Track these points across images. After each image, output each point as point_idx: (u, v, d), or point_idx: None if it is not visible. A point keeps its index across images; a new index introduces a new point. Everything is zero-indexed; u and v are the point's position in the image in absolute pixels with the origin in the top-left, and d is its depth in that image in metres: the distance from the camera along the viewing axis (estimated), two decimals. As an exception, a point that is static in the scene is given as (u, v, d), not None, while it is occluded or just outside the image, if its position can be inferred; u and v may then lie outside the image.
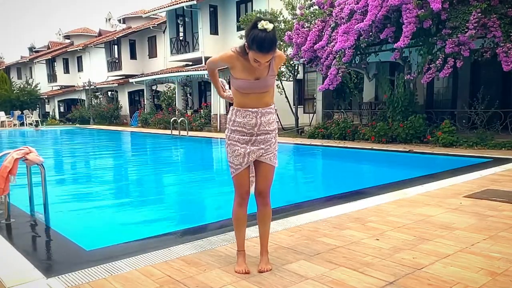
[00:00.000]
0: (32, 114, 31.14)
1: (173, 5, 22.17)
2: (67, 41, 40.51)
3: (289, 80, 16.73)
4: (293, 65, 16.01)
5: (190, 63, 23.27)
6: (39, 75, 38.40)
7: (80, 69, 35.43)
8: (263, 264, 2.79)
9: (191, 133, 17.80)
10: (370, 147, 10.78)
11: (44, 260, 3.21)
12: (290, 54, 14.26)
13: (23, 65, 43.56)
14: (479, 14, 9.08)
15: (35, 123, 28.83)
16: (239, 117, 2.70)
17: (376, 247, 3.18)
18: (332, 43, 11.91)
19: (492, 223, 3.78)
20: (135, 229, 4.67)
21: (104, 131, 23.19)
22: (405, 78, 11.15)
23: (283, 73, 16.34)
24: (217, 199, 6.37)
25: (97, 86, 29.91)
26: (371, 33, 10.92)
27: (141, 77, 25.67)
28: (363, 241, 3.34)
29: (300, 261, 2.93)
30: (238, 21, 18.61)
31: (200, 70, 20.15)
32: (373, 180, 7.56)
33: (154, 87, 26.88)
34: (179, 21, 23.23)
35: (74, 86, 34.19)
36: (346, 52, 11.29)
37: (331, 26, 12.17)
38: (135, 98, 30.08)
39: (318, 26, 12.67)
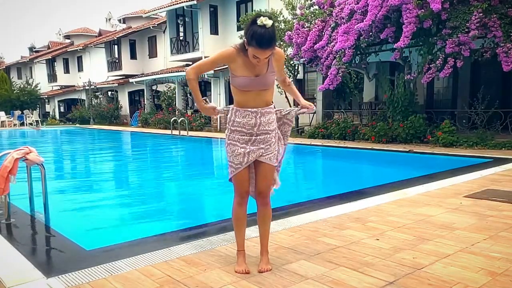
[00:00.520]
0: (32, 114, 31.12)
1: (173, 5, 22.18)
2: (67, 41, 40.51)
3: (289, 80, 16.73)
4: (293, 65, 16.01)
5: (190, 63, 23.25)
6: (39, 75, 38.39)
7: (80, 69, 35.43)
8: (263, 264, 2.79)
9: (191, 133, 17.80)
10: (370, 147, 10.78)
11: (44, 260, 3.22)
12: (290, 54, 14.26)
13: (23, 65, 43.55)
14: (480, 14, 9.08)
15: (35, 123, 28.84)
16: (238, 117, 2.70)
17: (376, 247, 3.18)
18: (332, 43, 11.91)
19: (492, 223, 3.78)
20: (135, 229, 4.67)
21: (104, 131, 23.19)
22: (405, 78, 11.15)
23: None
24: (217, 199, 6.37)
25: (97, 86, 29.91)
26: (371, 33, 10.92)
27: (141, 77, 25.67)
28: (363, 241, 3.34)
29: (300, 261, 2.93)
30: (238, 21, 18.62)
31: (200, 70, 20.13)
32: (373, 180, 7.56)
33: (154, 87, 26.88)
34: (179, 21, 23.24)
35: (74, 86, 34.19)
36: (346, 52, 11.29)
37: (331, 26, 12.17)
38: (135, 98, 30.09)
39: (318, 26, 12.67)
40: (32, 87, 35.32)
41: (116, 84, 28.95)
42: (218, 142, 14.86)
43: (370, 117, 13.48)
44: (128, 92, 29.24)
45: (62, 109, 37.16)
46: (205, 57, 21.06)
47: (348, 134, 12.62)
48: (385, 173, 8.47)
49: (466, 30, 9.23)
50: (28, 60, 41.69)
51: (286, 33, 14.01)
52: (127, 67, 28.64)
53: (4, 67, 44.34)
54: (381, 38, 10.76)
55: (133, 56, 28.95)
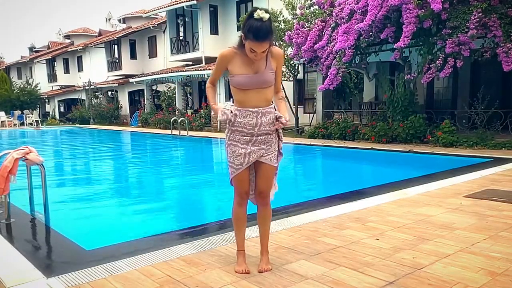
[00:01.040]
0: (32, 114, 31.12)
1: (173, 5, 22.17)
2: (67, 41, 40.51)
3: (289, 80, 16.73)
4: (293, 65, 16.02)
5: (190, 63, 23.28)
6: (39, 75, 38.40)
7: (80, 69, 35.44)
8: (263, 264, 2.79)
9: (191, 133, 17.80)
10: (370, 147, 10.78)
11: (44, 260, 3.21)
12: (290, 54, 14.26)
13: (23, 65, 43.56)
14: (480, 14, 9.08)
15: (35, 123, 28.83)
16: (239, 117, 2.69)
17: (376, 247, 3.18)
18: (332, 43, 11.91)
19: (492, 223, 3.78)
20: (135, 228, 4.67)
21: (104, 131, 23.19)
22: (405, 78, 11.15)
23: (283, 73, 16.34)
24: (217, 198, 6.37)
25: (97, 86, 29.91)
26: (371, 33, 10.92)
27: (141, 77, 25.67)
28: (363, 241, 3.34)
29: (300, 261, 2.93)
30: (238, 21, 18.62)
31: (200, 70, 20.14)
32: (373, 180, 7.56)
33: (154, 87, 26.88)
34: (179, 21, 23.23)
35: (74, 86, 34.20)
36: (346, 52, 11.29)
37: (331, 26, 12.17)
38: (135, 98, 30.08)
39: (318, 26, 12.67)
40: (32, 87, 35.34)
41: (116, 84, 28.95)
42: (218, 142, 14.85)
43: (370, 117, 13.48)
44: (128, 92, 29.24)
45: (62, 109, 37.16)
46: (205, 57, 21.13)
47: (348, 134, 12.62)
48: (385, 173, 8.47)
49: (466, 30, 9.23)
50: (28, 60, 41.71)
51: (286, 33, 14.01)
52: (127, 67, 28.64)
53: (4, 67, 44.36)
54: (381, 38, 10.76)
55: (133, 56, 28.95)
